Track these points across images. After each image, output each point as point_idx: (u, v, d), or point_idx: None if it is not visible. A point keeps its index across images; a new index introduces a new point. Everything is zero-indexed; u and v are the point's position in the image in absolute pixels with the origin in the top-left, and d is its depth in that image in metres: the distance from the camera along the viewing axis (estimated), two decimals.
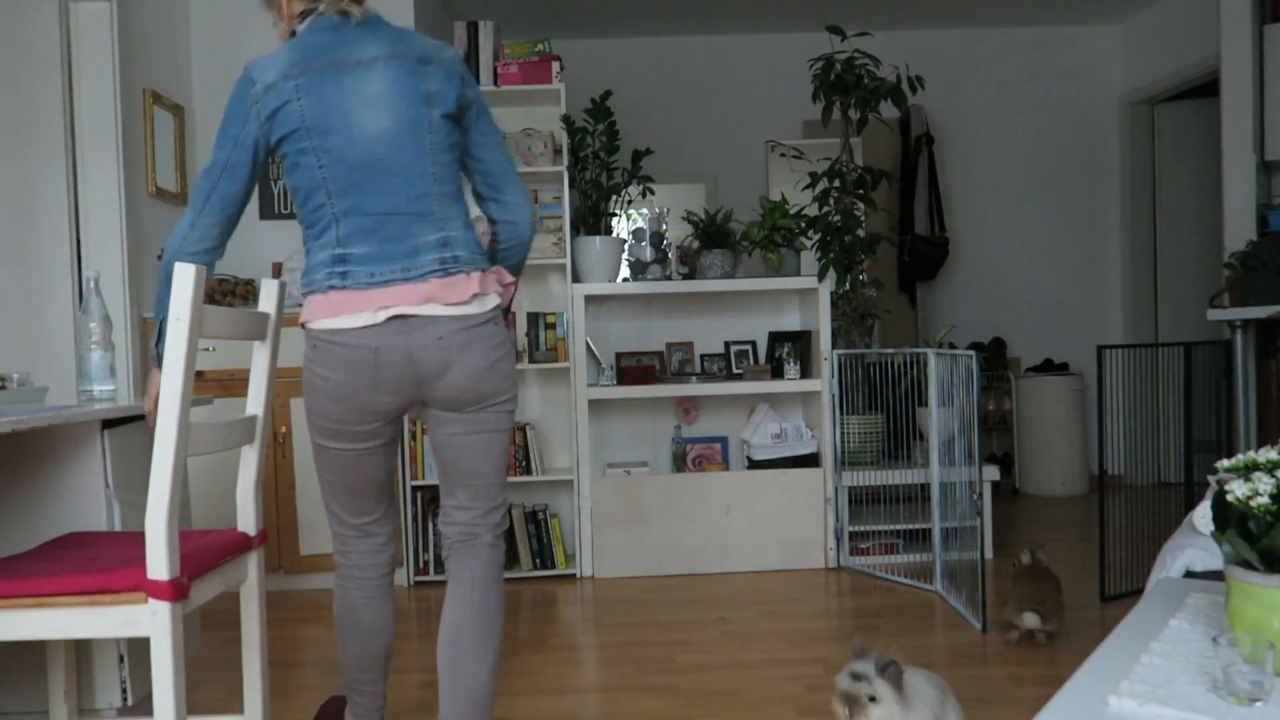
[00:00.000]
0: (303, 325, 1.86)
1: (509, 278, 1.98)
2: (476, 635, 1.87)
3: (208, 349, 3.67)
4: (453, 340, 1.83)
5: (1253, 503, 1.17)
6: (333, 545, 2.04)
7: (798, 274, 3.98)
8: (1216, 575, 1.69)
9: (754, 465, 3.91)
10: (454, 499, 1.96)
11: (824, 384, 3.85)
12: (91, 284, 2.44)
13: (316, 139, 1.78)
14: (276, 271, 4.04)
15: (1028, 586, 2.79)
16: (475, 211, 3.59)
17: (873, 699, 1.65)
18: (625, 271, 4.07)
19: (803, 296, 4.09)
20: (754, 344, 4.16)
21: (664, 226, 4.00)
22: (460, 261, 1.85)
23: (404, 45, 1.85)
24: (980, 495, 3.18)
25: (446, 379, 1.85)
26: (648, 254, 3.95)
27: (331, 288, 1.79)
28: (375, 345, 1.78)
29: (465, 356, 1.85)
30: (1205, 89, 5.26)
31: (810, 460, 3.88)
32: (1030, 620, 2.75)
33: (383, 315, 1.78)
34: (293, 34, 1.92)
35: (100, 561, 1.76)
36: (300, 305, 3.77)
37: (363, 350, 1.78)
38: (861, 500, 4.08)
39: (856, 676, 1.67)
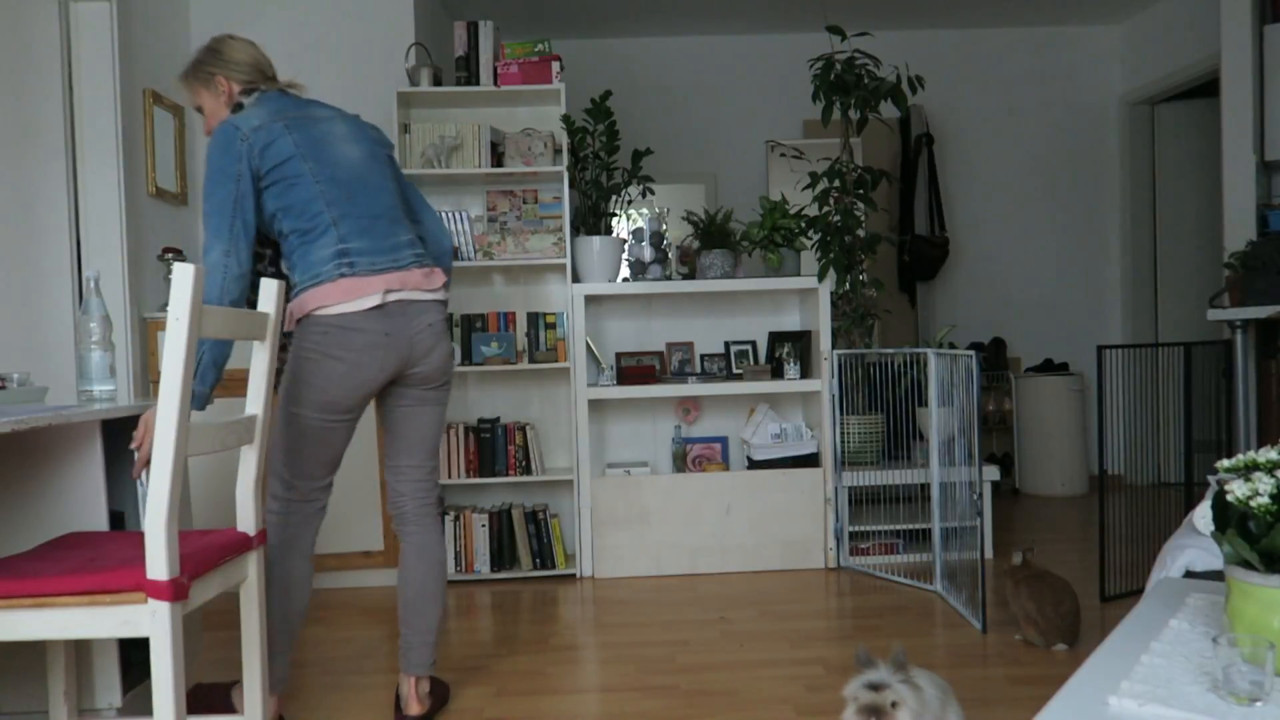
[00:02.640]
0: (304, 316, 2.19)
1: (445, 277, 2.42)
2: (438, 585, 2.41)
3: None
4: (438, 327, 2.31)
5: (1253, 503, 1.17)
6: (270, 514, 2.30)
7: (798, 274, 3.98)
8: (1216, 575, 1.69)
9: (754, 465, 3.91)
10: (413, 459, 2.40)
11: (824, 384, 3.85)
12: (91, 284, 2.44)
13: (310, 162, 2.21)
14: None
15: (1030, 598, 2.79)
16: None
17: (895, 704, 1.63)
18: (625, 271, 4.07)
19: (803, 296, 4.09)
20: (754, 344, 4.16)
21: (664, 226, 4.00)
22: (426, 256, 2.34)
23: (343, 111, 2.38)
24: (980, 495, 3.18)
25: (429, 359, 2.31)
26: (648, 254, 3.95)
27: (342, 275, 2.17)
28: (387, 331, 2.19)
29: (443, 341, 2.34)
30: (1205, 89, 5.26)
31: (810, 460, 3.88)
32: (1059, 647, 2.79)
33: (392, 297, 2.20)
34: (238, 106, 2.29)
35: (100, 561, 1.76)
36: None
37: (378, 335, 2.18)
38: (861, 500, 4.08)
39: (874, 686, 1.64)
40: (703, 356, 4.17)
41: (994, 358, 5.59)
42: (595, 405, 4.06)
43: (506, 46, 3.90)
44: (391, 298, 2.20)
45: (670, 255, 4.06)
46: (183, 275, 1.66)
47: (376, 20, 4.18)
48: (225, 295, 2.11)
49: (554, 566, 3.86)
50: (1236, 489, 1.19)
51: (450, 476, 3.82)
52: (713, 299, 4.18)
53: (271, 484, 2.29)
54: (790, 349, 3.95)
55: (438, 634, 2.42)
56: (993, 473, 3.95)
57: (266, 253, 2.40)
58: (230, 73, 2.31)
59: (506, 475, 3.85)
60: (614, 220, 4.02)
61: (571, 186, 3.92)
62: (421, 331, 2.26)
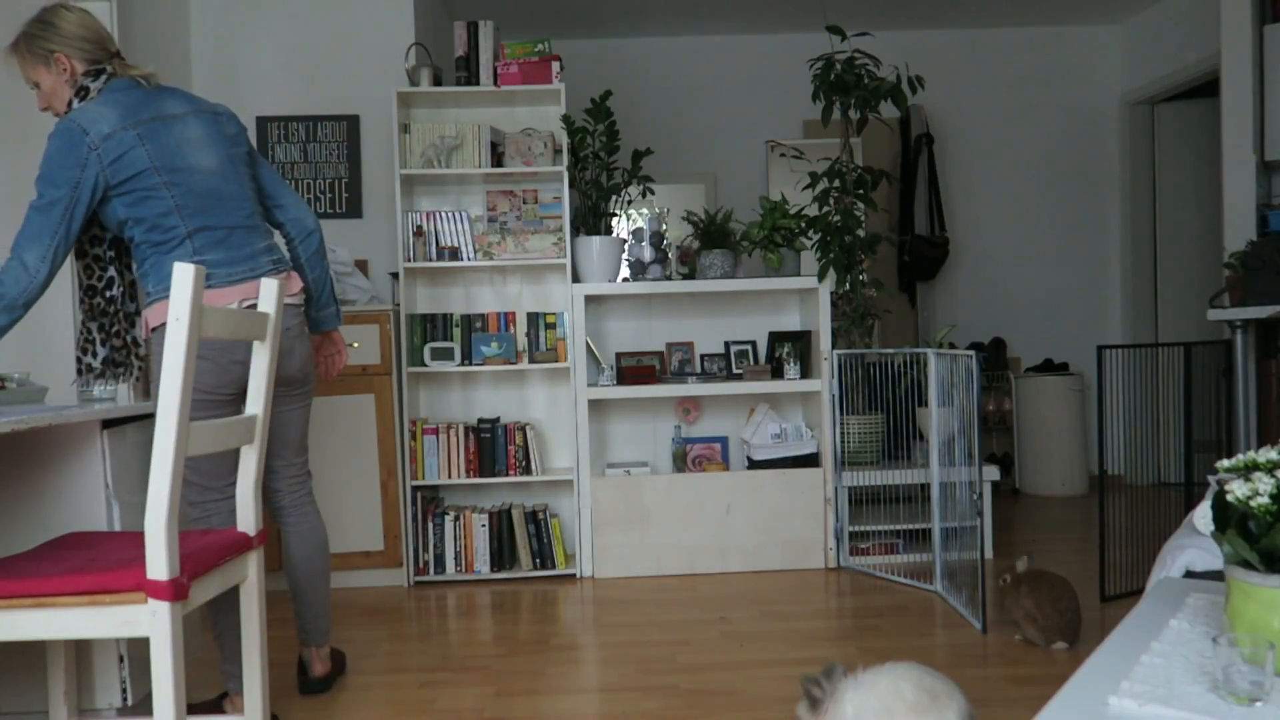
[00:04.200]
0: (160, 325, 2.21)
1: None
2: (324, 563, 2.60)
3: None
4: (294, 330, 2.41)
5: (1253, 503, 1.17)
6: (194, 522, 2.38)
7: (798, 274, 3.98)
8: (1216, 575, 1.69)
9: (754, 465, 3.91)
10: (284, 459, 2.54)
11: (824, 384, 3.85)
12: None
13: (166, 175, 2.19)
14: None
15: (1031, 600, 2.80)
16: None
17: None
18: (625, 271, 4.07)
19: (803, 296, 4.09)
20: (754, 344, 4.16)
21: (664, 226, 4.00)
22: (283, 263, 2.40)
23: (198, 103, 2.33)
24: (980, 495, 3.18)
25: (289, 361, 2.40)
26: (648, 254, 3.95)
27: None
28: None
29: (300, 343, 2.43)
30: (1205, 89, 5.26)
31: (810, 460, 3.88)
32: (1059, 645, 2.79)
33: (247, 304, 2.26)
34: (82, 91, 2.24)
35: (100, 561, 1.76)
36: None
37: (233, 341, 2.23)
38: (861, 500, 4.08)
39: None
40: (703, 356, 4.16)
41: (994, 358, 5.59)
42: (595, 405, 4.06)
43: (506, 46, 3.90)
44: (246, 304, 2.23)
45: (670, 255, 4.06)
46: (183, 275, 1.66)
47: (376, 20, 4.18)
48: (25, 299, 2.10)
49: (554, 566, 3.86)
50: (1236, 489, 1.19)
51: (450, 476, 3.82)
52: (713, 299, 4.18)
53: (187, 493, 2.35)
54: (790, 349, 3.95)
55: (328, 606, 2.64)
56: (993, 473, 3.95)
57: (109, 254, 2.40)
58: (70, 48, 2.23)
59: (506, 475, 3.85)
60: (614, 220, 4.02)
61: (571, 186, 3.92)
62: (284, 331, 2.35)
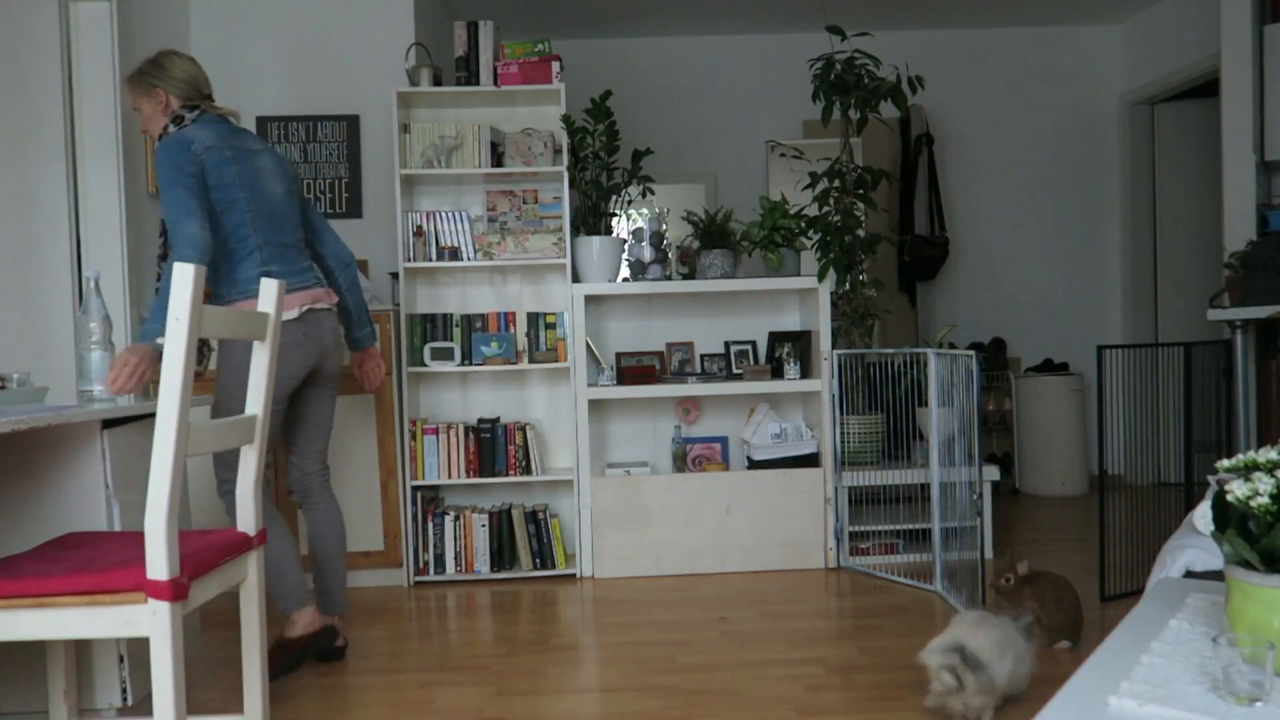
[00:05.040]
0: None
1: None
2: (344, 542, 2.94)
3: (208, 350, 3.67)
4: (338, 330, 2.83)
5: (1253, 503, 1.17)
6: (226, 495, 2.70)
7: (798, 274, 3.98)
8: (1216, 575, 1.69)
9: (754, 465, 3.91)
10: (318, 443, 2.89)
11: (824, 384, 3.85)
12: (91, 284, 2.44)
13: (246, 192, 2.60)
14: None
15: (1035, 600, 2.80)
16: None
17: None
18: (625, 271, 4.07)
19: (803, 296, 4.09)
20: (754, 344, 4.16)
21: (664, 226, 4.00)
22: (322, 279, 2.85)
23: (268, 144, 2.79)
24: (980, 495, 3.18)
25: (333, 356, 2.81)
26: (648, 254, 3.94)
27: None
28: (305, 333, 2.67)
29: (340, 342, 2.84)
30: (1205, 89, 5.26)
31: (810, 460, 3.88)
32: (1063, 644, 2.79)
33: (306, 308, 2.67)
34: (177, 119, 2.63)
35: (100, 561, 1.76)
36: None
37: (299, 336, 2.65)
38: (861, 500, 4.08)
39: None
40: (703, 356, 4.17)
41: (994, 358, 5.59)
42: (595, 405, 4.06)
43: (506, 46, 3.90)
44: (305, 309, 2.66)
45: (670, 255, 4.06)
46: (183, 275, 1.66)
47: (376, 20, 4.18)
48: (205, 258, 2.43)
49: (554, 566, 3.86)
50: (1236, 489, 1.19)
51: (450, 476, 3.83)
52: (713, 299, 4.18)
53: (220, 472, 2.67)
54: (790, 349, 3.95)
55: (346, 579, 3.04)
56: (993, 473, 3.95)
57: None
58: (169, 86, 2.63)
59: (506, 475, 3.85)
60: (614, 220, 4.02)
61: (571, 186, 3.92)
62: (329, 333, 2.75)
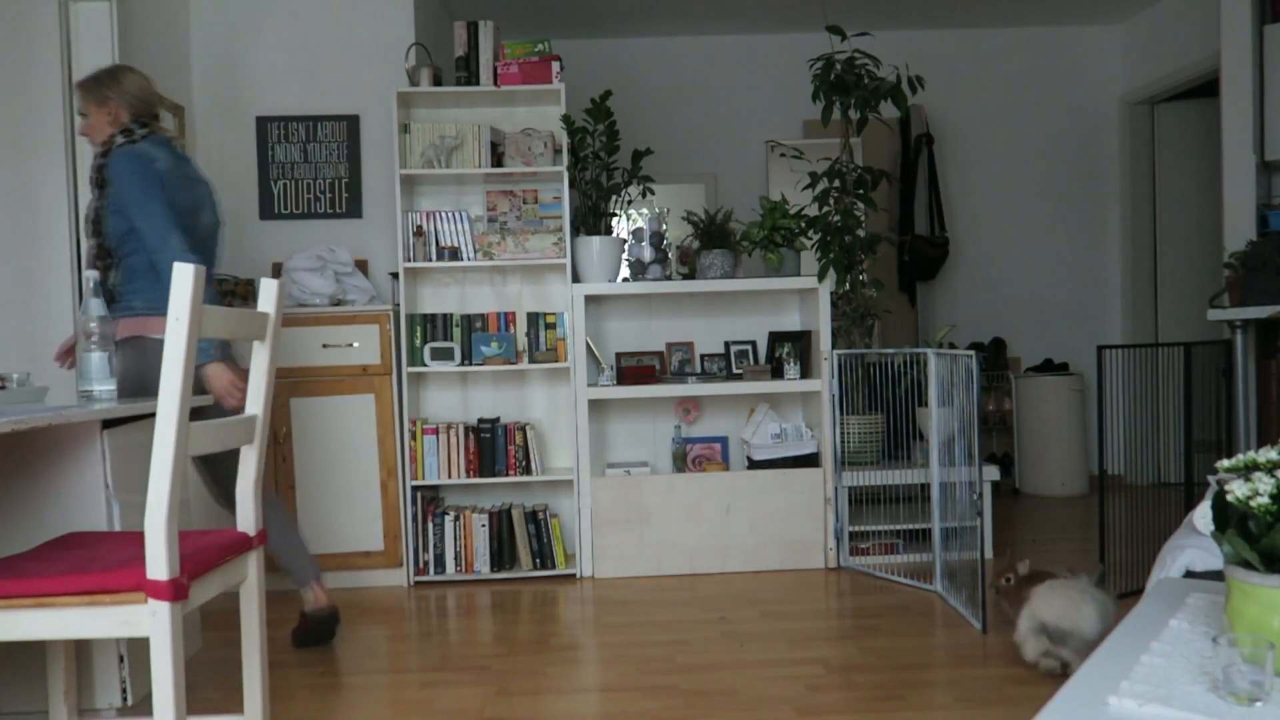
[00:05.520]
0: (141, 335, 2.65)
1: None
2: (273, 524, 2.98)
3: None
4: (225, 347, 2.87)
5: (1253, 503, 1.17)
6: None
7: (798, 274, 3.98)
8: (1216, 575, 1.69)
9: (754, 465, 3.91)
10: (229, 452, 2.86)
11: (824, 384, 3.85)
12: (91, 284, 2.44)
13: (188, 219, 2.72)
14: (276, 271, 4.04)
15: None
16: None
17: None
18: (625, 271, 4.07)
19: (803, 296, 4.09)
20: (754, 344, 4.16)
21: (664, 226, 4.00)
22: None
23: (205, 177, 2.91)
24: (980, 495, 3.18)
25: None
26: (648, 254, 3.94)
27: None
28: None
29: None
30: (1205, 89, 5.26)
31: (810, 460, 3.88)
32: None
33: None
34: (127, 132, 2.70)
35: (100, 561, 1.75)
36: (301, 306, 3.77)
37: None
38: (861, 500, 4.08)
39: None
40: (703, 356, 4.16)
41: (994, 358, 5.59)
42: (595, 405, 4.06)
43: (506, 46, 3.90)
44: None
45: (670, 255, 4.06)
46: (183, 275, 1.66)
47: (376, 20, 4.18)
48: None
49: (554, 566, 3.86)
50: (1236, 489, 1.19)
51: (450, 476, 3.82)
52: (713, 299, 4.18)
53: (209, 489, 2.91)
54: (790, 349, 3.95)
55: (300, 544, 3.05)
56: (993, 473, 3.95)
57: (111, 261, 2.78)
58: (123, 100, 2.73)
59: (506, 475, 3.85)
60: (614, 220, 4.02)
61: (571, 186, 3.92)
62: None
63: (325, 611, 3.02)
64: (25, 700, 2.40)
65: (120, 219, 2.64)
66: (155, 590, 1.62)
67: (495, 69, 3.89)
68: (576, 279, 3.93)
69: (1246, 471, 1.24)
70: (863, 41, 5.40)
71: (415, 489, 3.83)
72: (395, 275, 3.98)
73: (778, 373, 3.97)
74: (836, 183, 4.04)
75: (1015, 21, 5.61)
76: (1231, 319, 3.76)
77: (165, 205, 2.60)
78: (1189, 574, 1.73)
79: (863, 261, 4.01)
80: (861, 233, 4.04)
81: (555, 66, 3.88)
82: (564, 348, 3.94)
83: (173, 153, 2.75)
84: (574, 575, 3.88)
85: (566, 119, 3.83)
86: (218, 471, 2.93)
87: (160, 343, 2.60)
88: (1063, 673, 2.47)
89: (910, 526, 3.85)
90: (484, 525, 3.82)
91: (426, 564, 3.83)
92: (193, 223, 2.74)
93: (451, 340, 3.92)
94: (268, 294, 2.04)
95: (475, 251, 3.91)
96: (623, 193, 3.94)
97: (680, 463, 4.03)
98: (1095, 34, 5.72)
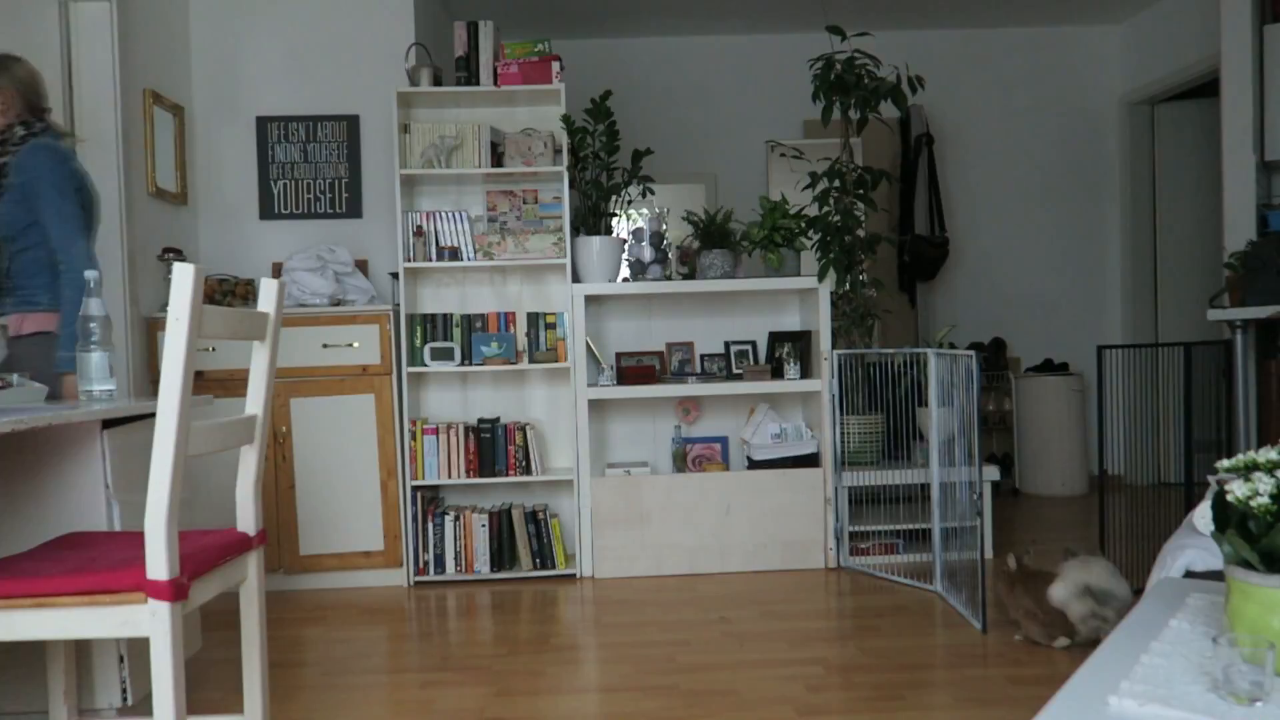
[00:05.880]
0: (39, 331, 2.65)
1: None
2: None
3: (208, 349, 3.67)
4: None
5: (1253, 503, 1.17)
6: None
7: (798, 274, 3.98)
8: (1216, 575, 1.69)
9: (754, 465, 3.91)
10: None
11: (824, 384, 3.85)
12: (91, 284, 2.44)
13: (89, 222, 2.70)
14: (276, 271, 4.04)
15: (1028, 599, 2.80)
16: None
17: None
18: (625, 271, 4.07)
19: (803, 296, 4.09)
20: (754, 344, 4.16)
21: (664, 226, 4.00)
22: None
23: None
24: (980, 495, 3.18)
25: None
26: (648, 254, 3.94)
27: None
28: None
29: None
30: (1205, 89, 5.26)
31: (810, 460, 3.88)
32: (1061, 642, 2.79)
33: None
34: (27, 124, 2.68)
35: (100, 561, 1.75)
36: (301, 306, 3.77)
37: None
38: (861, 500, 4.08)
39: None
40: (703, 356, 4.16)
41: (994, 358, 5.59)
42: (595, 405, 4.06)
43: (506, 46, 3.90)
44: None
45: (670, 255, 4.06)
46: (183, 275, 1.66)
47: (376, 20, 4.18)
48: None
49: (554, 566, 3.86)
50: (1236, 489, 1.19)
51: (450, 476, 3.82)
52: (713, 299, 4.18)
53: None
54: (790, 349, 3.95)
55: None
56: (993, 473, 3.95)
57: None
58: (17, 87, 2.71)
59: (506, 475, 3.85)
60: (614, 220, 4.02)
61: (571, 186, 3.92)
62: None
63: None
64: (25, 700, 2.40)
65: (22, 211, 2.61)
66: (155, 590, 1.62)
67: (495, 69, 3.89)
68: (576, 279, 3.93)
69: (1246, 471, 1.24)
70: (863, 41, 5.41)
71: (415, 489, 3.83)
72: (395, 275, 3.98)
73: (778, 373, 3.97)
74: (836, 183, 4.04)
75: (1015, 21, 5.61)
76: (1231, 319, 3.76)
77: (79, 207, 2.61)
78: (1189, 574, 1.73)
79: (863, 261, 4.01)
80: (861, 233, 4.04)
81: (555, 66, 3.88)
82: (564, 348, 3.94)
83: (71, 149, 2.78)
84: (574, 575, 3.88)
85: (566, 119, 3.83)
86: None
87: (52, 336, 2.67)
88: (1104, 624, 2.64)
89: (910, 526, 3.85)
90: (484, 525, 3.82)
91: (426, 564, 3.83)
92: (91, 225, 2.75)
93: (451, 340, 3.92)
94: (268, 294, 2.04)
95: (475, 251, 3.91)
96: (623, 193, 3.94)
97: (680, 463, 4.03)
98: (1095, 34, 5.72)
